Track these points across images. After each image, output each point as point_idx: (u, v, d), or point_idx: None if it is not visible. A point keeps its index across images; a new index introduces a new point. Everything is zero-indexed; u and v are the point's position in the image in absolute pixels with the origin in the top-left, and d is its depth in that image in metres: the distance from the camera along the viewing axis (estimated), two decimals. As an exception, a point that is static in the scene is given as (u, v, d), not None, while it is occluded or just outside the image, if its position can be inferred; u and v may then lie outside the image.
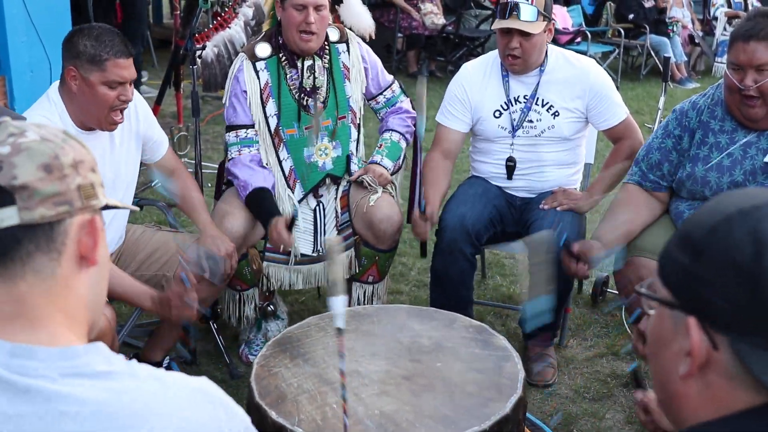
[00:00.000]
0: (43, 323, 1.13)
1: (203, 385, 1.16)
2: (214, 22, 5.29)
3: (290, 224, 3.12)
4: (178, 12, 7.27)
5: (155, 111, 5.14)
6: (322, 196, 3.39)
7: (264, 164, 3.30)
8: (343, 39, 3.41)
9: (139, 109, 3.00)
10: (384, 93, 3.52)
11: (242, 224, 3.18)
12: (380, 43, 8.95)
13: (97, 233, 1.18)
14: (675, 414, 1.07)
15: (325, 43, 3.33)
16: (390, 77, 3.57)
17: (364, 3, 3.68)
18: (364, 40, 3.55)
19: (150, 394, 1.08)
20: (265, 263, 3.33)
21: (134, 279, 2.76)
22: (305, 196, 3.36)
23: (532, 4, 3.22)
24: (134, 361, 1.14)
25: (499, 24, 3.27)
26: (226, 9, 5.40)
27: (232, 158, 3.28)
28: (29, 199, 1.10)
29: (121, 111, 2.79)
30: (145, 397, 1.08)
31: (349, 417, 1.91)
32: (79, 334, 1.18)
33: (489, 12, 10.51)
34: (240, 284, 3.34)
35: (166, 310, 2.68)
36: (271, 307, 3.54)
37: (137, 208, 1.38)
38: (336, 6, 3.44)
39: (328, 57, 3.34)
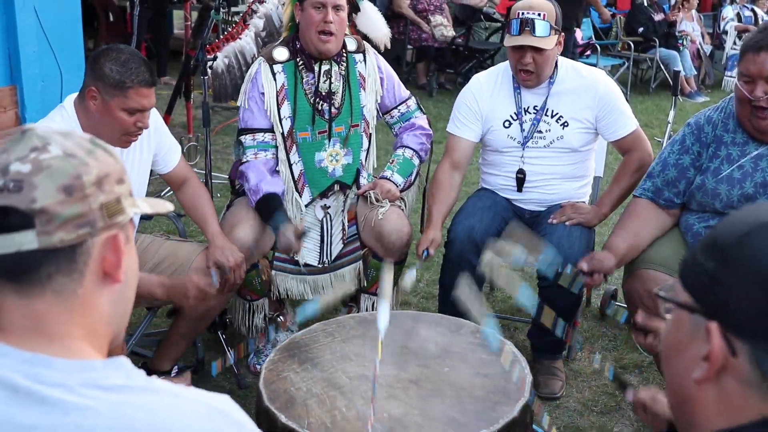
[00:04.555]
0: (60, 339, 1.11)
1: (221, 403, 1.13)
2: (225, 33, 5.32)
3: (300, 235, 3.14)
4: (189, 23, 7.33)
5: (165, 121, 5.17)
6: (329, 207, 3.40)
7: (277, 169, 3.32)
8: (360, 49, 3.43)
9: (150, 119, 2.99)
10: (399, 107, 3.52)
11: (251, 235, 3.18)
12: (390, 55, 8.96)
13: (120, 251, 1.15)
14: (687, 420, 1.07)
15: (343, 51, 3.35)
16: (407, 93, 3.58)
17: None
18: (378, 50, 3.56)
19: (166, 409, 1.07)
20: (273, 272, 3.33)
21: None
22: (312, 201, 3.37)
23: (544, 19, 3.21)
24: (154, 377, 1.13)
25: (512, 41, 3.26)
26: (236, 21, 5.44)
27: (247, 161, 3.29)
28: (48, 224, 1.07)
29: (136, 135, 2.80)
30: (160, 412, 1.06)
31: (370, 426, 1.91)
32: (98, 348, 1.16)
33: (498, 24, 10.54)
34: (250, 294, 3.35)
35: (181, 298, 2.69)
36: (281, 317, 3.55)
37: (171, 207, 1.35)
38: (353, 14, 3.46)
39: (345, 65, 3.36)
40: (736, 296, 0.98)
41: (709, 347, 1.00)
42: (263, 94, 3.29)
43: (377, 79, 3.44)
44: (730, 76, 10.57)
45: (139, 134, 2.80)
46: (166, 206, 1.32)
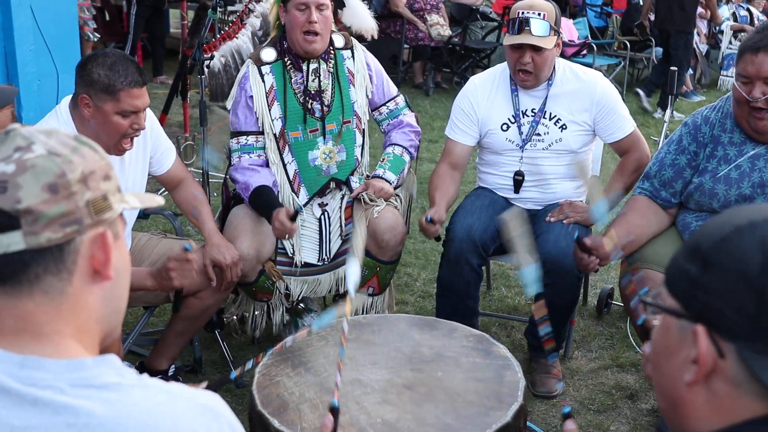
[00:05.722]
0: (50, 338, 1.11)
1: (212, 402, 1.14)
2: (221, 32, 5.31)
3: (293, 216, 3.14)
4: (186, 22, 7.32)
5: (162, 120, 5.17)
6: (327, 205, 3.40)
7: (267, 165, 3.34)
8: (348, 46, 3.43)
9: (146, 120, 2.99)
10: (387, 104, 3.53)
11: (252, 245, 3.19)
12: (386, 54, 8.98)
13: (109, 248, 1.13)
14: (679, 422, 1.08)
15: (331, 48, 3.36)
16: (395, 90, 3.58)
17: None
18: (366, 40, 3.56)
19: (158, 407, 1.07)
20: (278, 268, 3.34)
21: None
22: (310, 200, 3.37)
23: (543, 18, 3.21)
24: (145, 375, 1.13)
25: (511, 40, 3.26)
26: (233, 20, 5.43)
27: (233, 164, 3.33)
28: (34, 224, 1.06)
29: (132, 138, 2.79)
30: (153, 410, 1.06)
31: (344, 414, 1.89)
32: (88, 347, 1.15)
33: (495, 24, 10.54)
34: (265, 296, 3.36)
35: (167, 280, 2.68)
36: (302, 304, 3.55)
37: (161, 201, 1.33)
38: (338, 9, 3.47)
39: (333, 62, 3.37)
40: (720, 299, 0.99)
41: (697, 350, 1.01)
42: (251, 97, 3.30)
43: (366, 75, 3.44)
44: (726, 76, 10.56)
45: (137, 135, 2.80)
46: (155, 200, 1.30)
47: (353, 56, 3.43)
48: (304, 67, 3.32)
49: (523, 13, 3.23)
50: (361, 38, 3.60)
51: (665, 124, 4.97)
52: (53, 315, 1.10)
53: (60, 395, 1.04)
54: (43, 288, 1.09)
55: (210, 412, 1.12)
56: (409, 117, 3.56)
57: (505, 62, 3.41)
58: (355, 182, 3.43)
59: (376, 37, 3.65)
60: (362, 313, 3.40)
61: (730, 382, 0.99)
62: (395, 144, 3.49)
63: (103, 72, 2.65)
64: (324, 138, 3.35)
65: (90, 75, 2.66)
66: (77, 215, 1.09)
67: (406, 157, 3.49)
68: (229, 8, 7.35)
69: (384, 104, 3.52)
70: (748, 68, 2.73)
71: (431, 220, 3.19)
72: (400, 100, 3.57)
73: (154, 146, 3.08)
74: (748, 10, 11.42)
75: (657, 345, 1.11)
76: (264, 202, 3.22)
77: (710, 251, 1.02)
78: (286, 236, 3.18)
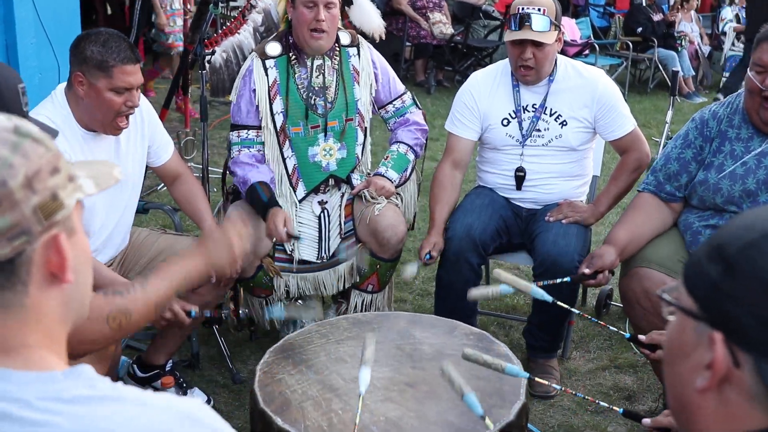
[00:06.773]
0: (17, 351, 1.04)
1: (193, 409, 1.07)
2: (223, 28, 5.32)
3: (291, 236, 3.16)
4: (188, 17, 7.31)
5: (163, 115, 5.16)
6: (326, 202, 3.39)
7: (265, 161, 3.34)
8: (354, 43, 3.43)
9: (144, 111, 3.01)
10: (394, 102, 3.52)
11: (248, 242, 3.18)
12: (388, 52, 8.97)
13: (63, 252, 1.05)
14: (687, 425, 1.05)
15: (336, 45, 3.36)
16: (402, 87, 3.57)
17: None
18: (373, 41, 3.56)
19: (131, 419, 1.01)
20: (276, 264, 3.34)
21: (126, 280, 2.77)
22: (306, 196, 3.37)
23: (543, 14, 3.21)
24: (120, 384, 1.07)
25: (511, 35, 3.26)
26: (235, 15, 5.43)
27: (233, 157, 3.33)
28: None
29: (127, 117, 2.80)
30: (125, 423, 1.01)
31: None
32: (58, 353, 1.10)
33: (497, 22, 10.54)
34: (263, 292, 3.36)
35: (157, 321, 2.70)
36: (300, 301, 3.55)
37: (120, 176, 1.21)
38: (346, 7, 3.46)
39: (338, 58, 3.36)
40: (741, 307, 0.95)
41: (712, 356, 0.97)
42: (254, 91, 3.30)
43: (371, 73, 3.44)
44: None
45: (131, 113, 2.81)
46: (113, 176, 1.20)
47: (359, 54, 3.42)
48: (309, 63, 3.32)
49: (523, 8, 3.23)
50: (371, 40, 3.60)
51: (666, 125, 4.97)
52: (17, 328, 1.05)
53: (27, 410, 0.99)
54: (0, 304, 1.03)
55: (188, 419, 1.06)
56: (416, 115, 3.56)
57: (507, 58, 3.41)
58: (356, 179, 3.42)
59: (383, 37, 3.64)
60: (361, 311, 3.40)
61: (743, 393, 0.96)
62: (400, 142, 3.49)
63: (96, 49, 2.68)
64: (325, 135, 3.34)
65: (83, 52, 2.69)
66: (24, 225, 1.00)
67: (411, 156, 3.49)
68: (231, 4, 7.35)
69: (390, 102, 3.52)
70: (764, 57, 2.73)
71: (430, 258, 3.26)
72: (407, 97, 3.56)
73: (152, 136, 3.09)
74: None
75: (671, 343, 1.07)
76: (260, 199, 3.22)
77: (734, 255, 0.97)
78: (273, 239, 3.19)
